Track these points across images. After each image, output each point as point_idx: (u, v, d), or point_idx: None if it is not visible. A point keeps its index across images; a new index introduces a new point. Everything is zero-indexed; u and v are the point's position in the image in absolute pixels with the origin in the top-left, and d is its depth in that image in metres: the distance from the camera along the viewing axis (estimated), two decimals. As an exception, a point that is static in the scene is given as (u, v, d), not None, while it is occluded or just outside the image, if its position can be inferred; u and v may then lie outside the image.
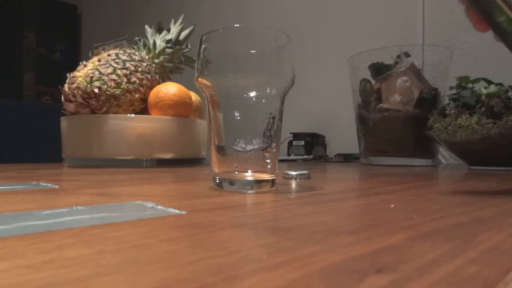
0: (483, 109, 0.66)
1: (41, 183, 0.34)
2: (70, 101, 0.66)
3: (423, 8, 1.12)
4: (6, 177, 0.41)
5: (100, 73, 0.66)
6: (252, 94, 0.30)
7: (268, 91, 0.31)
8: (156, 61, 0.79)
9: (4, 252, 0.12)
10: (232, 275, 0.10)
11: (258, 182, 0.30)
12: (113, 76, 0.66)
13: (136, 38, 0.82)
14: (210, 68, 0.31)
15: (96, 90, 0.64)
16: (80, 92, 0.64)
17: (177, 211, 0.20)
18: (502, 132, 0.62)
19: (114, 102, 0.66)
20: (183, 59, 0.83)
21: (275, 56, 0.30)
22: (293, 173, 0.42)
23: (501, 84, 0.69)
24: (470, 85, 0.75)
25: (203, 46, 0.31)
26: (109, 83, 0.66)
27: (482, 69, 1.00)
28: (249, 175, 0.30)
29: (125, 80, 0.67)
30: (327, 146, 1.31)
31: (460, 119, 0.67)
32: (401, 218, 0.20)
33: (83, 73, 0.66)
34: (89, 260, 0.12)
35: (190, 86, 0.59)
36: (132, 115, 0.68)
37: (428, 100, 0.84)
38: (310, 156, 1.16)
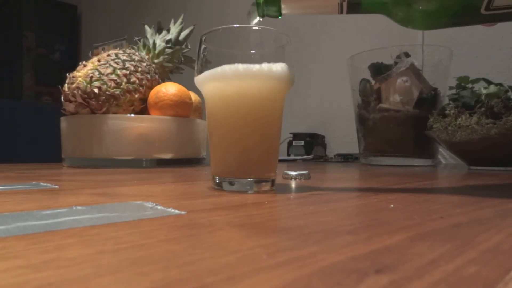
0: (482, 109, 0.66)
1: (41, 183, 0.34)
2: (70, 101, 0.66)
3: (423, 8, 1.12)
4: (6, 177, 0.41)
5: (100, 73, 0.66)
6: (252, 94, 0.30)
7: (268, 91, 0.31)
8: (156, 61, 0.79)
9: (4, 252, 0.12)
10: (232, 275, 0.10)
11: (258, 182, 0.30)
12: (113, 76, 0.66)
13: (136, 38, 0.82)
14: (210, 68, 0.31)
15: (96, 90, 0.64)
16: (80, 92, 0.64)
17: (176, 211, 0.20)
18: (502, 132, 0.62)
19: (114, 102, 0.66)
20: (183, 59, 0.83)
21: (275, 56, 0.30)
22: (293, 173, 0.42)
23: (500, 84, 0.70)
24: (469, 85, 0.75)
25: (203, 46, 0.31)
26: (109, 83, 0.66)
27: (482, 69, 1.00)
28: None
29: (125, 80, 0.67)
30: (326, 146, 1.31)
31: (460, 119, 0.68)
32: (401, 218, 0.20)
33: (83, 73, 0.66)
34: (89, 260, 0.12)
35: (190, 86, 0.59)
36: (132, 115, 0.68)
37: (428, 100, 0.84)
38: (310, 156, 1.16)
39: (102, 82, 0.65)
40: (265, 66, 0.29)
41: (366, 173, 0.61)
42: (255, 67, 0.29)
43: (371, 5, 0.30)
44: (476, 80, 0.75)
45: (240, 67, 0.29)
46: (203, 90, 0.32)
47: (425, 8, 0.29)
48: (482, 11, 0.27)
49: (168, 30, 0.81)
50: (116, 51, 0.72)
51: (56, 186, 0.32)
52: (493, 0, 0.27)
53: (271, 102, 0.31)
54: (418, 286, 0.10)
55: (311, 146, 1.20)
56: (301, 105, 1.40)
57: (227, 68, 0.29)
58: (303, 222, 0.18)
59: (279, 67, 0.30)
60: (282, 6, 0.30)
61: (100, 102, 0.65)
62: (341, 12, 0.31)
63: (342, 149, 1.30)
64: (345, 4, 0.30)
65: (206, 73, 0.31)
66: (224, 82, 0.30)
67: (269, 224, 0.18)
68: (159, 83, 0.74)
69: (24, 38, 2.50)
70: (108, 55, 0.70)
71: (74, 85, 0.65)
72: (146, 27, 0.81)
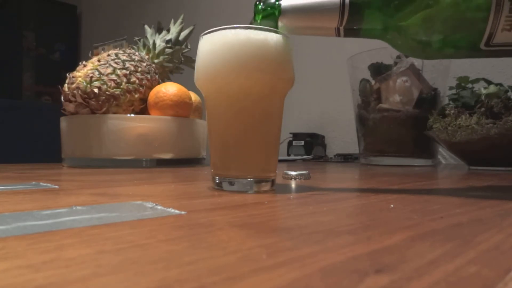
0: (482, 109, 0.66)
1: (41, 183, 0.34)
2: (70, 101, 0.66)
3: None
4: (6, 177, 0.41)
5: (100, 73, 0.66)
6: (252, 94, 0.30)
7: (268, 91, 0.31)
8: (156, 61, 0.78)
9: (4, 252, 0.12)
10: (232, 275, 0.10)
11: (258, 182, 0.30)
12: (113, 76, 0.66)
13: (136, 38, 0.82)
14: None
15: (96, 90, 0.64)
16: (79, 92, 0.64)
17: (176, 211, 0.20)
18: (502, 132, 0.62)
19: (114, 102, 0.66)
20: (182, 59, 0.83)
21: (275, 56, 0.30)
22: (293, 173, 0.42)
23: (500, 84, 0.70)
24: (469, 85, 0.75)
25: (203, 46, 0.31)
26: (109, 83, 0.66)
27: (482, 69, 1.00)
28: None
29: (124, 80, 0.67)
30: (326, 146, 1.31)
31: (459, 119, 0.68)
32: (401, 218, 0.20)
33: (82, 73, 0.66)
34: (89, 260, 0.12)
35: (190, 86, 0.59)
36: (132, 115, 0.68)
37: (427, 100, 0.84)
38: (310, 156, 1.16)
39: (102, 82, 0.65)
40: (261, 34, 0.29)
41: (366, 173, 0.61)
42: (254, 32, 0.29)
43: (370, 31, 0.30)
44: (476, 80, 0.75)
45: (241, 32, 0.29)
46: (201, 85, 0.32)
47: (424, 40, 0.29)
48: (482, 46, 0.27)
49: (168, 30, 0.81)
50: (116, 51, 0.72)
51: (56, 186, 0.32)
52: (493, 37, 0.26)
53: (270, 96, 0.31)
54: (418, 286, 0.10)
55: (311, 146, 1.20)
56: (301, 105, 1.40)
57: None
58: (303, 222, 0.18)
59: (274, 36, 0.30)
60: (280, 25, 0.31)
61: (100, 102, 0.65)
62: (339, 36, 0.31)
63: (342, 149, 1.30)
64: (342, 29, 0.30)
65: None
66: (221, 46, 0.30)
67: (269, 224, 0.18)
68: (159, 83, 0.74)
69: (24, 38, 2.50)
70: (108, 55, 0.70)
71: (74, 85, 0.65)
72: (146, 27, 0.81)
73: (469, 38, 0.28)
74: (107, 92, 0.65)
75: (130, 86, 0.68)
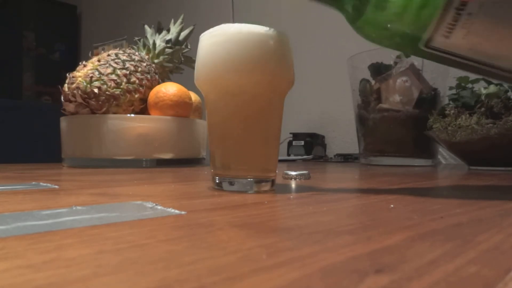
0: (482, 109, 0.66)
1: (41, 183, 0.34)
2: (70, 101, 0.66)
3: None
4: (6, 177, 0.41)
5: (100, 73, 0.66)
6: (252, 94, 0.30)
7: (268, 91, 0.31)
8: (156, 61, 0.79)
9: (4, 252, 0.12)
10: (232, 275, 0.10)
11: (258, 182, 0.30)
12: (113, 76, 0.66)
13: (136, 38, 0.82)
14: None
15: (96, 90, 0.64)
16: (79, 92, 0.64)
17: (176, 211, 0.20)
18: (502, 132, 0.62)
19: (114, 102, 0.66)
20: (182, 59, 0.83)
21: (275, 56, 0.30)
22: (293, 173, 0.42)
23: (500, 84, 0.69)
24: (469, 85, 0.75)
25: (203, 46, 0.31)
26: (109, 83, 0.66)
27: (482, 69, 1.00)
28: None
29: (124, 80, 0.67)
30: (326, 146, 1.31)
31: (459, 119, 0.68)
32: (400, 218, 0.20)
33: (82, 73, 0.66)
34: (89, 260, 0.12)
35: (190, 86, 0.59)
36: (132, 115, 0.68)
37: (427, 100, 0.84)
38: (310, 156, 1.16)
39: (102, 82, 0.65)
40: (262, 33, 0.29)
41: (366, 173, 0.61)
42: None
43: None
44: (476, 80, 0.75)
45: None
46: (201, 85, 0.32)
47: (377, 24, 0.28)
48: (421, 46, 0.27)
49: (168, 30, 0.81)
50: (116, 51, 0.72)
51: (56, 186, 0.32)
52: (432, 40, 0.26)
53: (270, 96, 0.31)
54: (418, 286, 0.10)
55: (311, 146, 1.20)
56: (301, 105, 1.40)
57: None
58: (303, 222, 0.18)
59: (274, 36, 0.30)
60: None
61: (100, 102, 0.65)
62: None
63: (342, 149, 1.30)
64: None
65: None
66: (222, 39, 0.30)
67: (269, 224, 0.18)
68: (159, 83, 0.74)
69: (24, 38, 2.50)
70: (108, 55, 0.70)
71: (74, 85, 0.65)
72: (146, 27, 0.81)
73: (411, 35, 0.27)
74: (107, 92, 0.65)
75: (130, 86, 0.68)
